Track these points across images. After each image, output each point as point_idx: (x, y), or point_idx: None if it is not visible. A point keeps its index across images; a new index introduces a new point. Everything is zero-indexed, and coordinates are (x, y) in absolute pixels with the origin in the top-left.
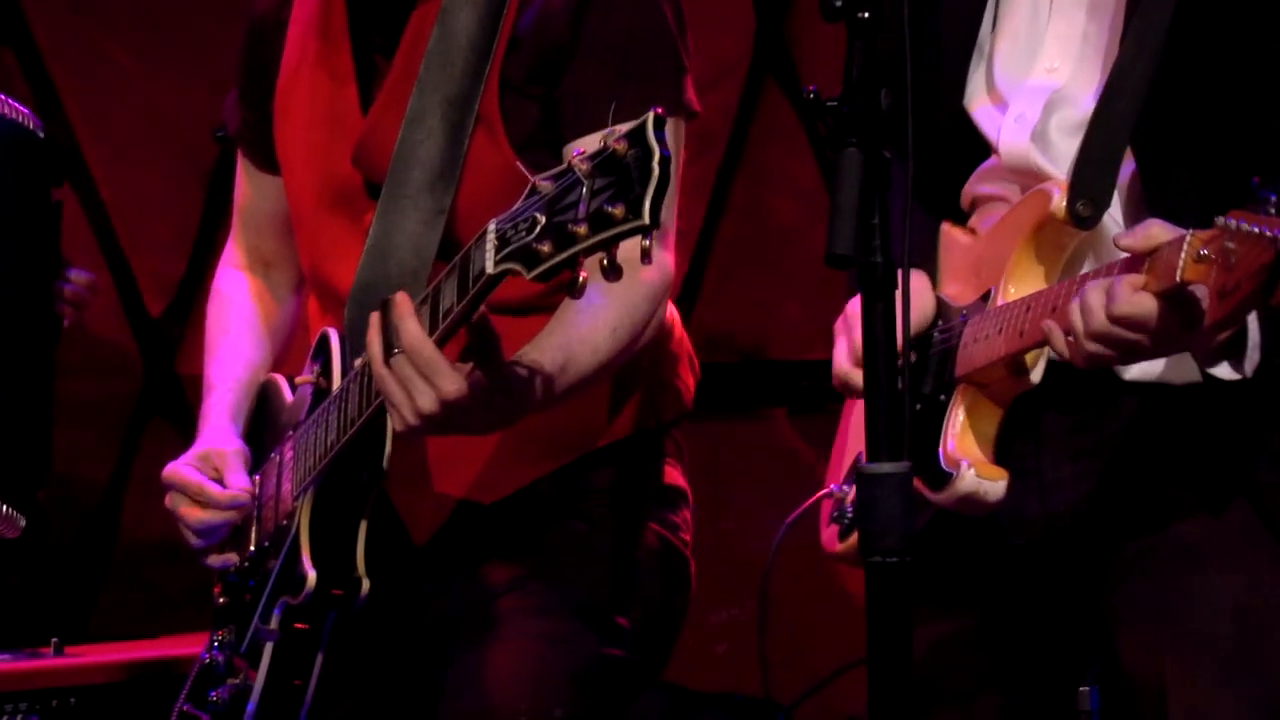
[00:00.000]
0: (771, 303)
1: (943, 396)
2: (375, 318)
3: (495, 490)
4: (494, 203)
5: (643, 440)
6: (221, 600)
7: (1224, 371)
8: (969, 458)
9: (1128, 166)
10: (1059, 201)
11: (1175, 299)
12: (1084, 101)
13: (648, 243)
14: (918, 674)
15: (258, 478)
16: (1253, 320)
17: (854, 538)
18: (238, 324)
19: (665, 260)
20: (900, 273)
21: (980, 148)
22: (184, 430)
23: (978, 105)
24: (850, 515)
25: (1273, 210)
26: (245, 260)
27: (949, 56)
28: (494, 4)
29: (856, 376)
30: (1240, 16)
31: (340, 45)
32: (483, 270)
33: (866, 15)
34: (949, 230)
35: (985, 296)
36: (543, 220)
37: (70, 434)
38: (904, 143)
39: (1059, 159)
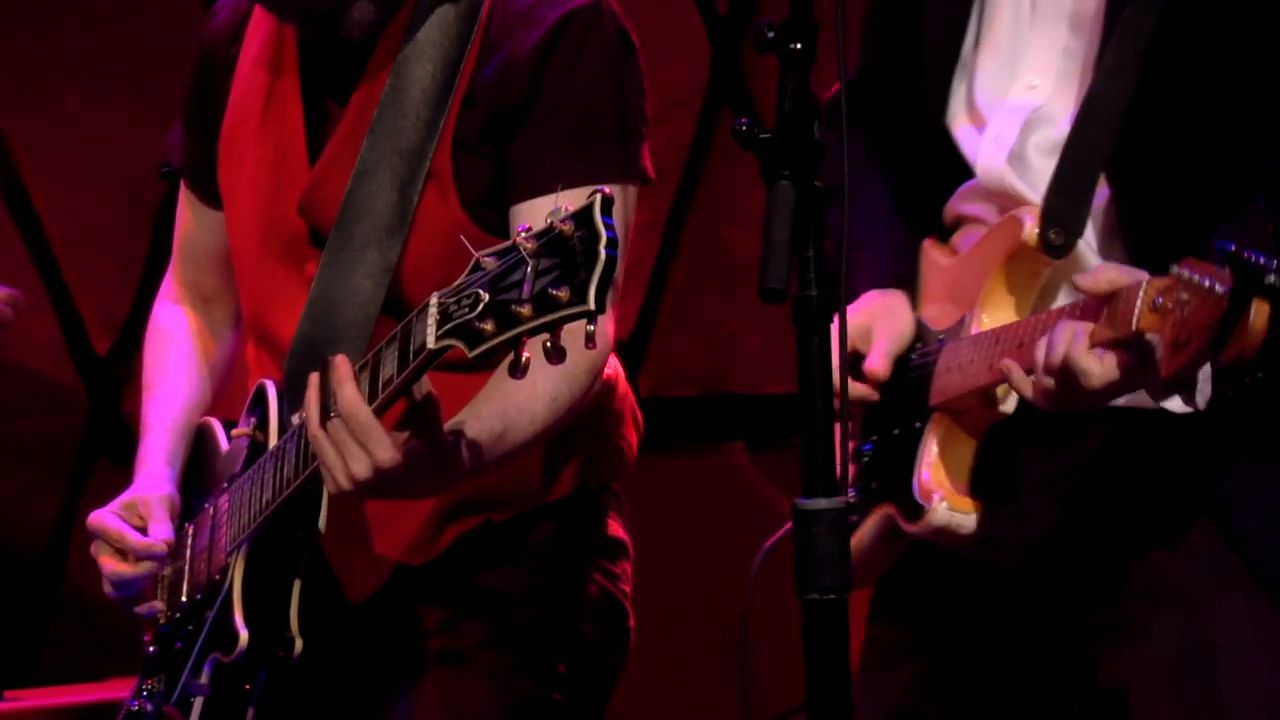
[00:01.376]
0: (729, 335)
1: (918, 424)
2: (314, 379)
3: (433, 549)
4: (442, 260)
5: (583, 497)
6: (152, 649)
7: (1175, 405)
8: (941, 490)
9: (1103, 191)
10: (1030, 229)
11: (1132, 347)
12: (1063, 120)
13: (592, 328)
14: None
15: (190, 527)
16: None
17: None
18: (175, 363)
19: (606, 330)
20: (838, 313)
21: (963, 164)
22: (130, 469)
23: (958, 124)
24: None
25: (1227, 260)
26: (184, 295)
27: (931, 71)
28: (451, 58)
29: (856, 389)
30: (1219, 41)
31: (291, 87)
32: (423, 345)
33: (799, 47)
34: (930, 249)
35: (961, 322)
36: (486, 298)
37: (15, 474)
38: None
39: (1036, 181)
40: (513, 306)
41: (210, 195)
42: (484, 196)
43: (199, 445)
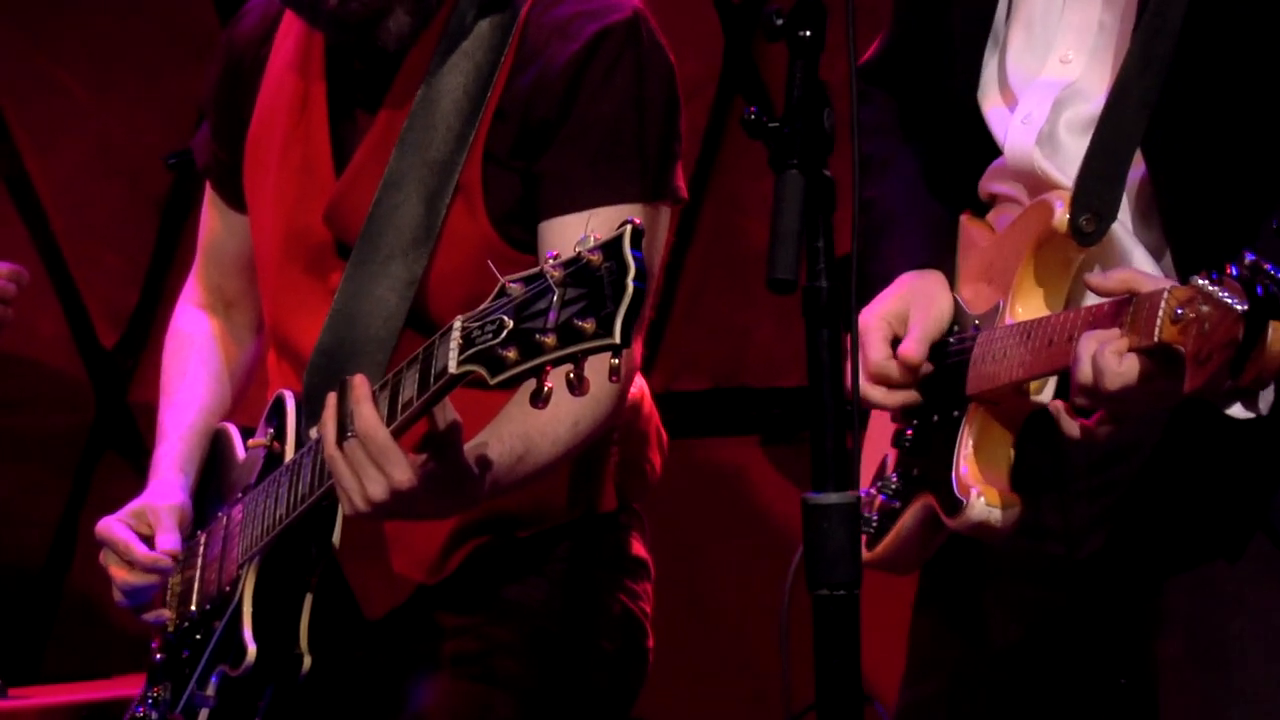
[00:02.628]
0: (744, 328)
1: (956, 412)
2: (332, 399)
3: (451, 564)
4: (468, 275)
5: (606, 516)
6: (159, 656)
7: (1238, 411)
8: (978, 485)
9: (1138, 170)
10: (1061, 216)
11: (1156, 357)
12: (1096, 97)
13: (616, 361)
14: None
15: (201, 535)
16: None
17: (882, 545)
18: (195, 368)
19: (631, 354)
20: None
21: (992, 143)
22: (137, 464)
23: (989, 104)
24: (876, 522)
25: (1248, 272)
26: (207, 299)
27: (962, 44)
28: (484, 70)
29: (874, 392)
30: (1257, 12)
31: (319, 93)
32: (445, 369)
33: (808, 34)
34: (968, 225)
35: (996, 309)
36: (510, 324)
37: (20, 469)
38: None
39: (1067, 161)
40: (537, 335)
41: (236, 198)
42: (513, 211)
43: (215, 450)
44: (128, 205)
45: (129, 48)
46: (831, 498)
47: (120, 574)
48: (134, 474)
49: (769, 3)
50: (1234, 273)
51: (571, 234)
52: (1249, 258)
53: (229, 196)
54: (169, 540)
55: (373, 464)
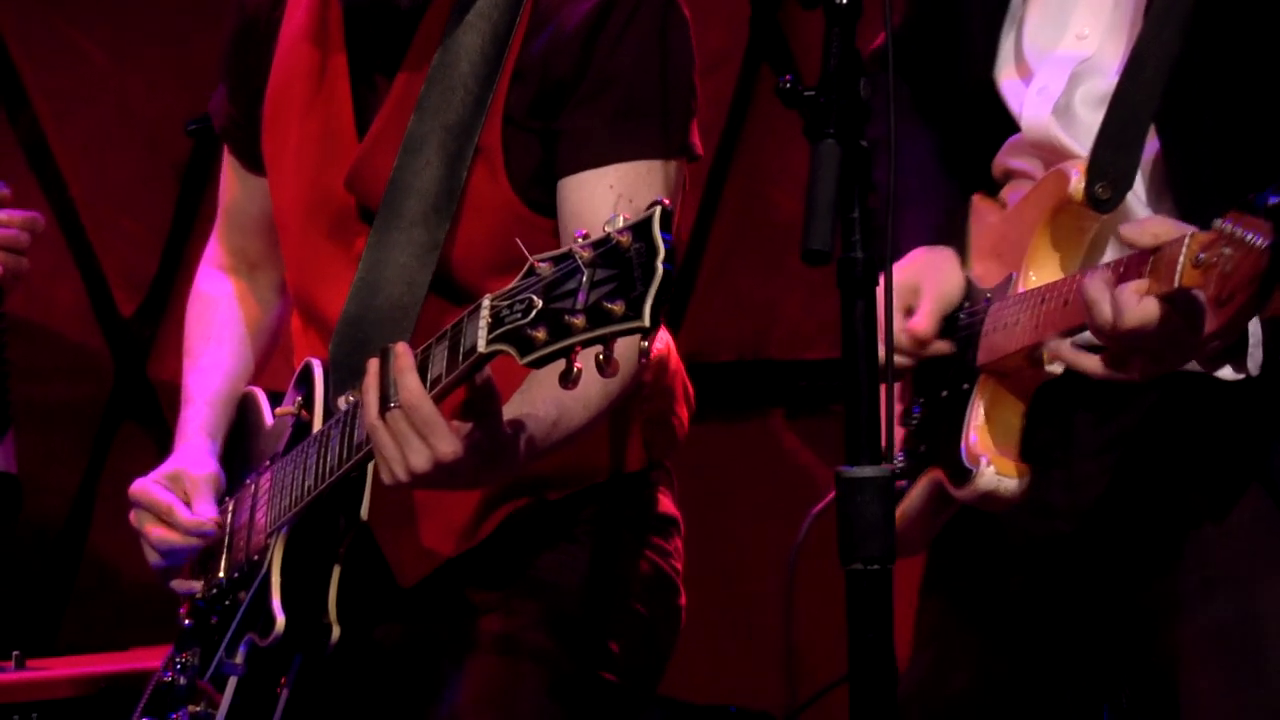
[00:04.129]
0: (770, 300)
1: (965, 385)
2: (373, 366)
3: (484, 530)
4: (491, 239)
5: (635, 474)
6: (187, 622)
7: (1227, 374)
8: (988, 454)
9: (1152, 144)
10: (1077, 184)
11: (1176, 303)
12: (1111, 71)
13: (645, 343)
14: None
15: (229, 502)
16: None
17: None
18: (219, 331)
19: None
20: (884, 274)
21: (1011, 118)
22: (156, 434)
23: (1005, 77)
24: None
25: (1269, 213)
26: (229, 261)
27: (979, 23)
28: (500, 31)
29: (900, 357)
30: None
31: (337, 59)
32: (474, 347)
33: (845, 1)
34: (979, 204)
35: (1009, 280)
36: (539, 304)
37: (38, 439)
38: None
39: (1082, 133)
40: (566, 316)
41: (255, 162)
42: (534, 174)
43: (241, 416)
44: (147, 172)
45: (148, 13)
46: (866, 471)
47: (160, 532)
48: (153, 444)
49: None
50: (1259, 203)
51: (590, 191)
52: (1270, 198)
53: (247, 160)
54: (208, 509)
55: (417, 435)
